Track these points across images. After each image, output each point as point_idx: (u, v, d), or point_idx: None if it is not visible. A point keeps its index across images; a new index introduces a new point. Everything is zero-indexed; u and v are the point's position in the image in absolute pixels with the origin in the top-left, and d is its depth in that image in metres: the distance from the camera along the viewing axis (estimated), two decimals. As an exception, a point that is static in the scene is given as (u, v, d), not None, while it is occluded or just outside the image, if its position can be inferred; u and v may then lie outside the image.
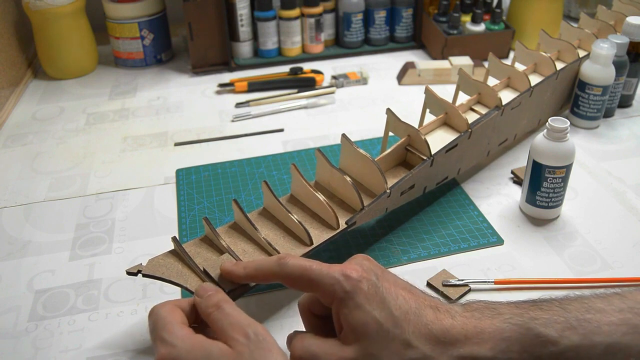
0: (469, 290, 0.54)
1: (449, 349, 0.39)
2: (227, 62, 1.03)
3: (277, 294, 0.55)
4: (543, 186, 0.61)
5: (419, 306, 0.40)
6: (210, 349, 0.37)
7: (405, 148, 0.61)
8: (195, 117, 0.89)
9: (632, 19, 0.80)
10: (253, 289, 0.48)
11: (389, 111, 0.62)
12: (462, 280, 0.54)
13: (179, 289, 0.55)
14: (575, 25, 0.85)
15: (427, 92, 0.66)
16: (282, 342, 0.50)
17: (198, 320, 0.43)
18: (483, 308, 0.41)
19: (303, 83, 0.96)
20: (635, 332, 0.39)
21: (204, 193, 0.70)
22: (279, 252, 0.49)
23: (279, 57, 1.06)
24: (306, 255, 0.51)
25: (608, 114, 0.84)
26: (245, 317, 0.40)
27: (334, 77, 0.98)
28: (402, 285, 0.42)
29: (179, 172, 0.74)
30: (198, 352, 0.37)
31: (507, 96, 0.70)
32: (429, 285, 0.54)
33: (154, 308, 0.42)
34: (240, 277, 0.45)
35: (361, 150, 0.56)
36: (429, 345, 0.39)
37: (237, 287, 0.46)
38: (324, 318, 0.44)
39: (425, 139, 0.58)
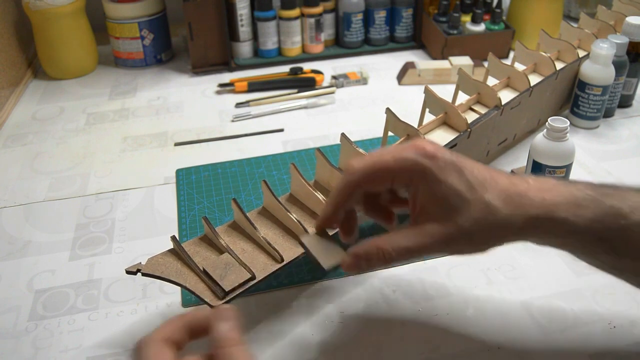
0: None
1: (526, 209, 0.40)
2: (227, 62, 1.03)
3: (277, 293, 0.55)
4: (543, 186, 0.61)
5: (494, 176, 0.41)
6: None
7: (405, 148, 0.61)
8: (195, 117, 0.89)
9: (632, 19, 0.80)
10: (253, 289, 0.48)
11: (388, 111, 0.62)
12: None
13: (178, 288, 0.56)
14: (575, 25, 0.85)
15: (427, 91, 0.66)
16: (282, 342, 0.50)
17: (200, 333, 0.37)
18: (557, 179, 0.43)
19: (303, 83, 0.96)
20: None
21: (204, 193, 0.70)
22: (277, 251, 0.49)
23: (279, 57, 1.06)
24: (304, 254, 0.51)
25: (608, 114, 0.84)
26: None
27: (334, 77, 0.98)
28: (472, 161, 0.43)
29: (179, 172, 0.74)
30: None
31: (506, 96, 0.70)
32: None
33: (142, 348, 0.34)
34: (329, 217, 0.44)
35: (360, 150, 0.56)
36: (507, 206, 0.40)
37: (238, 285, 0.46)
38: (374, 196, 0.45)
39: (424, 138, 0.58)
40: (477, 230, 0.40)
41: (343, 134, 0.57)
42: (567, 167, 0.60)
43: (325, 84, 0.98)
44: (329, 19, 1.06)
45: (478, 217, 0.39)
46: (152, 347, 0.34)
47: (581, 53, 0.80)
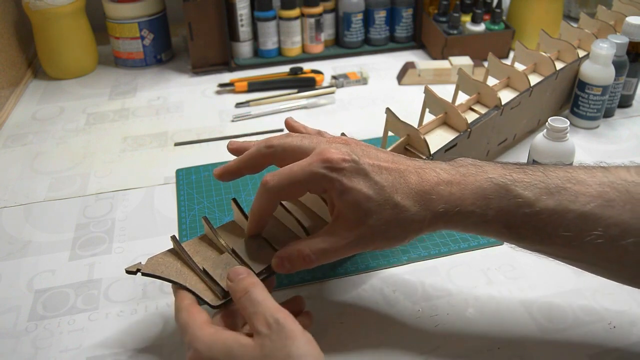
0: None
1: (434, 205, 0.42)
2: (227, 62, 1.03)
3: (277, 293, 0.55)
4: (543, 186, 0.61)
5: (403, 175, 0.43)
6: (230, 345, 0.38)
7: (405, 147, 0.61)
8: (195, 117, 0.89)
9: (632, 19, 0.80)
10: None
11: (388, 111, 0.62)
12: None
13: (178, 288, 0.55)
14: (575, 25, 0.85)
15: (427, 91, 0.66)
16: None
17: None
18: (469, 166, 0.44)
19: (303, 83, 0.96)
20: (608, 206, 0.40)
21: (204, 193, 0.70)
22: (277, 250, 0.49)
23: (279, 57, 1.06)
24: None
25: (608, 114, 0.84)
26: (270, 303, 0.40)
27: (334, 77, 0.98)
28: (384, 159, 0.44)
29: (179, 172, 0.74)
30: (218, 350, 0.38)
31: (506, 96, 0.70)
32: None
33: (176, 312, 0.43)
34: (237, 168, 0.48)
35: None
36: (416, 204, 0.42)
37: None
38: None
39: (424, 138, 0.58)
40: (390, 228, 0.42)
41: (342, 134, 0.57)
42: (567, 167, 0.60)
43: (325, 84, 0.98)
44: (329, 19, 1.06)
45: (388, 218, 0.42)
46: (183, 311, 0.42)
47: (581, 53, 0.80)
